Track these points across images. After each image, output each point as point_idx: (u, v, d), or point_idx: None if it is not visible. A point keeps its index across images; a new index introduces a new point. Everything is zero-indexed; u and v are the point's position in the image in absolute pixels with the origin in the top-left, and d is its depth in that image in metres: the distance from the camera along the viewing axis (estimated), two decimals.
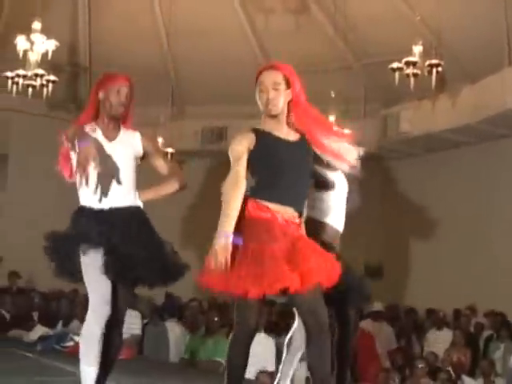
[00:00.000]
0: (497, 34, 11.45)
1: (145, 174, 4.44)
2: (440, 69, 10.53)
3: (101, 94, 4.26)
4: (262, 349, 7.96)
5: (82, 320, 4.24)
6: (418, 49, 10.42)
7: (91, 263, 4.09)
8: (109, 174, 4.16)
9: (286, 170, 3.87)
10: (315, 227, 4.45)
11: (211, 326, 8.86)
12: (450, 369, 9.00)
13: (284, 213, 3.86)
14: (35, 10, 10.49)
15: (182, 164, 13.94)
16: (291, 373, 4.93)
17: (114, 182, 4.19)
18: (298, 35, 13.00)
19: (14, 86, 10.72)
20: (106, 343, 4.16)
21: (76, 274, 4.19)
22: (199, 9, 12.93)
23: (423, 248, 13.62)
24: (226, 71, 13.38)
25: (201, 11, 12.96)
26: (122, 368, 5.95)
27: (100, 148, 4.10)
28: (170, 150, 12.48)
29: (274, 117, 3.94)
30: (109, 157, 4.17)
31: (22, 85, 10.68)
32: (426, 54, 10.52)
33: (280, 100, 3.91)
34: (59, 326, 9.44)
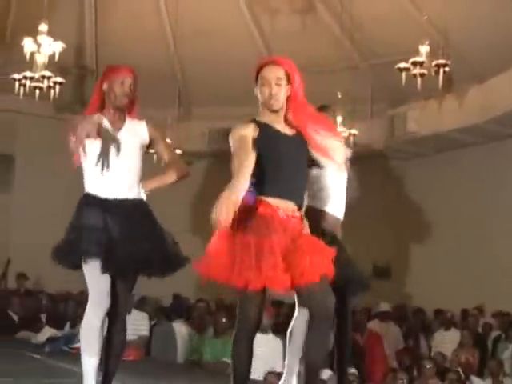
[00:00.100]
0: (504, 34, 11.41)
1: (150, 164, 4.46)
2: (447, 69, 10.51)
3: (105, 86, 4.31)
4: (270, 349, 7.95)
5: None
6: (424, 49, 10.40)
7: (91, 262, 4.15)
8: (109, 144, 4.19)
9: (285, 163, 3.89)
10: (315, 216, 4.46)
11: (219, 326, 8.84)
12: (459, 369, 8.98)
13: (285, 207, 3.88)
14: (42, 13, 10.50)
15: (189, 165, 13.99)
16: (296, 368, 4.94)
17: (120, 166, 4.21)
18: (304, 35, 12.99)
19: (21, 88, 10.73)
20: (108, 339, 4.26)
21: (78, 262, 4.22)
22: (205, 10, 12.93)
23: (431, 248, 13.60)
24: (233, 72, 13.36)
25: (207, 12, 12.96)
26: (130, 369, 5.98)
27: (100, 126, 4.15)
28: (177, 151, 12.48)
29: (275, 111, 3.98)
30: (108, 130, 4.21)
31: (29, 87, 10.69)
32: (432, 54, 10.50)
33: (281, 95, 3.96)
34: (67, 327, 9.44)
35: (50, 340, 8.49)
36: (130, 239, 4.16)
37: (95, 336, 4.17)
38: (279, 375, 7.39)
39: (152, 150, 4.55)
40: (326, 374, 7.89)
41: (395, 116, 13.39)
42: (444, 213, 13.50)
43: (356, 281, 4.90)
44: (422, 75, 10.43)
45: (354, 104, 12.57)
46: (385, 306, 11.19)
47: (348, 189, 5.02)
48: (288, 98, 4.00)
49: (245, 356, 3.93)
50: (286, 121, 4.04)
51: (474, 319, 10.96)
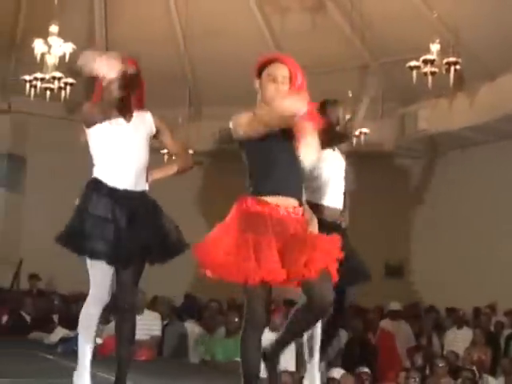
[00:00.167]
0: None
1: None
2: (458, 67, 10.47)
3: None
4: None
5: (102, 322, 4.35)
6: (435, 47, 10.36)
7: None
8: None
9: (279, 159, 3.90)
10: (313, 210, 4.48)
11: (231, 326, 8.84)
12: (474, 368, 8.97)
13: (285, 204, 3.88)
14: (52, 14, 10.53)
15: (200, 165, 14.00)
16: (316, 359, 4.96)
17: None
18: (314, 34, 12.96)
19: (32, 89, 10.76)
20: (118, 328, 4.37)
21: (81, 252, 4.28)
22: (215, 10, 12.91)
23: (443, 247, 13.57)
24: (243, 72, 13.20)
25: (216, 12, 12.95)
26: (142, 369, 5.99)
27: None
28: (189, 151, 12.51)
29: None
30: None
31: (40, 88, 10.71)
32: (443, 52, 10.46)
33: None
34: None
35: (63, 340, 8.49)
36: (136, 233, 4.22)
37: (93, 323, 4.38)
38: (292, 374, 7.42)
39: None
40: (339, 372, 7.89)
41: (406, 115, 13.36)
42: (456, 211, 13.47)
43: (356, 271, 4.91)
44: (432, 73, 10.40)
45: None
46: (395, 305, 11.22)
47: (345, 180, 5.08)
48: None
49: (254, 354, 3.96)
50: None
51: (487, 318, 10.95)
